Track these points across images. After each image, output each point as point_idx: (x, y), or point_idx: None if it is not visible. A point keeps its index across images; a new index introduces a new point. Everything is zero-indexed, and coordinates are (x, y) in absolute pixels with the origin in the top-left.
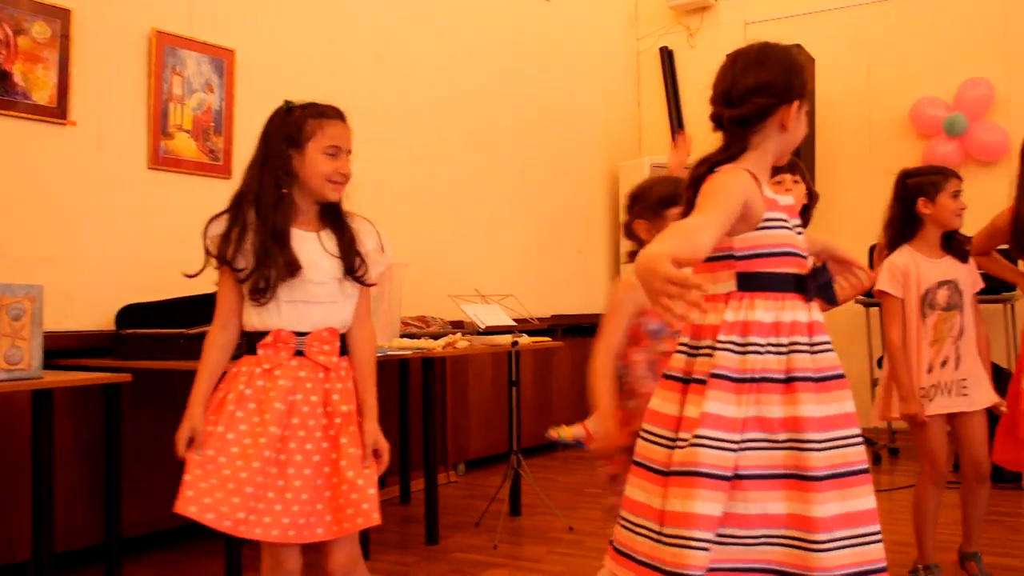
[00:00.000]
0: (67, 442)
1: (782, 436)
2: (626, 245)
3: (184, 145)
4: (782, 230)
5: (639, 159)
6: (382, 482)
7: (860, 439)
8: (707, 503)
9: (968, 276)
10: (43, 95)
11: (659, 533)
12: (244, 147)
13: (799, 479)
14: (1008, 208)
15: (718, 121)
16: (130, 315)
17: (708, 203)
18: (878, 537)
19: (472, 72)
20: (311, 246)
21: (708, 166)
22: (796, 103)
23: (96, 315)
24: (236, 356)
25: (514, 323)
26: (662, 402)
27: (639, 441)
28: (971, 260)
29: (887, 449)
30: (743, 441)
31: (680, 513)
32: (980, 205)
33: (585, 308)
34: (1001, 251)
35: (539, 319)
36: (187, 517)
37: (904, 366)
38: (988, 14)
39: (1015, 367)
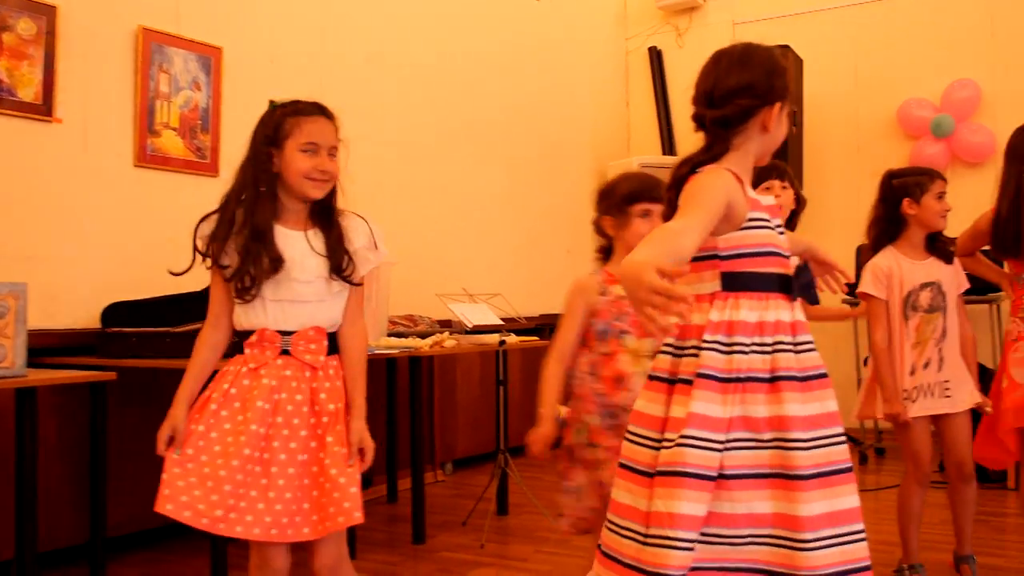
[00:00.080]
0: (51, 441)
1: (767, 435)
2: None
3: (171, 143)
4: (765, 230)
5: (628, 159)
6: (369, 481)
7: (844, 438)
8: (691, 503)
9: (953, 277)
10: (28, 92)
11: (645, 535)
12: (231, 145)
13: (785, 478)
14: (991, 209)
15: (700, 121)
16: (116, 313)
17: (691, 205)
18: (862, 536)
19: (461, 72)
20: (297, 245)
21: (690, 166)
22: (778, 105)
23: (81, 313)
24: (229, 355)
25: (502, 322)
26: (647, 403)
27: (624, 443)
28: (956, 261)
29: (873, 449)
30: (729, 441)
31: (664, 513)
32: (967, 206)
33: None
34: (985, 252)
35: (527, 318)
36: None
37: (888, 367)
38: (975, 16)
39: (998, 367)
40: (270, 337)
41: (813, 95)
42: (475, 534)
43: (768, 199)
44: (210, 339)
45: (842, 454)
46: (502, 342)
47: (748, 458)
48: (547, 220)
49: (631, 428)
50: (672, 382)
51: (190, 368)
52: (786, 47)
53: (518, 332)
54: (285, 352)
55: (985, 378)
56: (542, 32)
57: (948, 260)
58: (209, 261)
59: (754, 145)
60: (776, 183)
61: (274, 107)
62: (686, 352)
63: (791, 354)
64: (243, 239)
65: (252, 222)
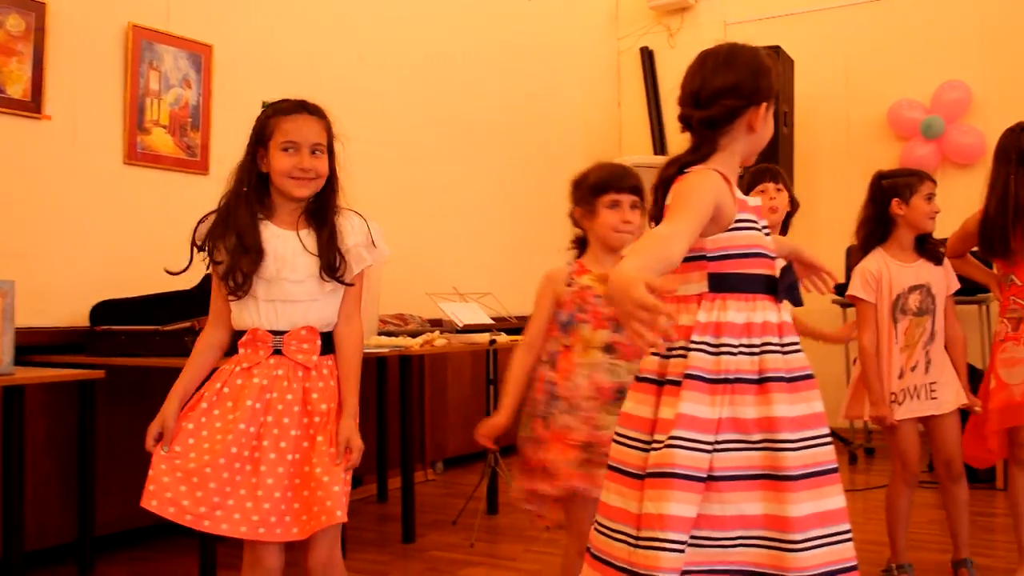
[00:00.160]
0: (40, 439)
1: (756, 436)
2: None
3: (161, 140)
4: (752, 231)
5: (619, 158)
6: (359, 480)
7: (830, 439)
8: (681, 504)
9: (942, 279)
10: (17, 89)
11: (636, 538)
12: (222, 143)
13: (774, 479)
14: (979, 210)
15: (686, 122)
16: (104, 311)
17: (680, 208)
18: (849, 536)
19: (453, 71)
20: (289, 244)
21: (678, 167)
22: (764, 105)
23: (70, 311)
24: (231, 355)
25: (492, 322)
26: (636, 405)
27: (614, 445)
28: (946, 262)
29: (863, 449)
30: (718, 442)
31: (654, 515)
32: (957, 207)
33: None
34: (974, 253)
35: (517, 318)
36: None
37: (875, 371)
38: (965, 18)
39: (987, 367)
40: (262, 337)
41: (804, 96)
42: (465, 533)
43: (755, 200)
44: (209, 338)
45: (829, 455)
46: (492, 341)
47: (738, 460)
48: (538, 220)
49: (620, 430)
50: (660, 383)
51: (187, 366)
52: (777, 48)
53: (508, 331)
54: (278, 352)
55: (974, 379)
56: (534, 32)
57: (937, 262)
58: (207, 260)
59: (740, 145)
60: (770, 185)
61: (265, 108)
62: (674, 353)
63: (779, 355)
64: (232, 238)
65: (235, 222)
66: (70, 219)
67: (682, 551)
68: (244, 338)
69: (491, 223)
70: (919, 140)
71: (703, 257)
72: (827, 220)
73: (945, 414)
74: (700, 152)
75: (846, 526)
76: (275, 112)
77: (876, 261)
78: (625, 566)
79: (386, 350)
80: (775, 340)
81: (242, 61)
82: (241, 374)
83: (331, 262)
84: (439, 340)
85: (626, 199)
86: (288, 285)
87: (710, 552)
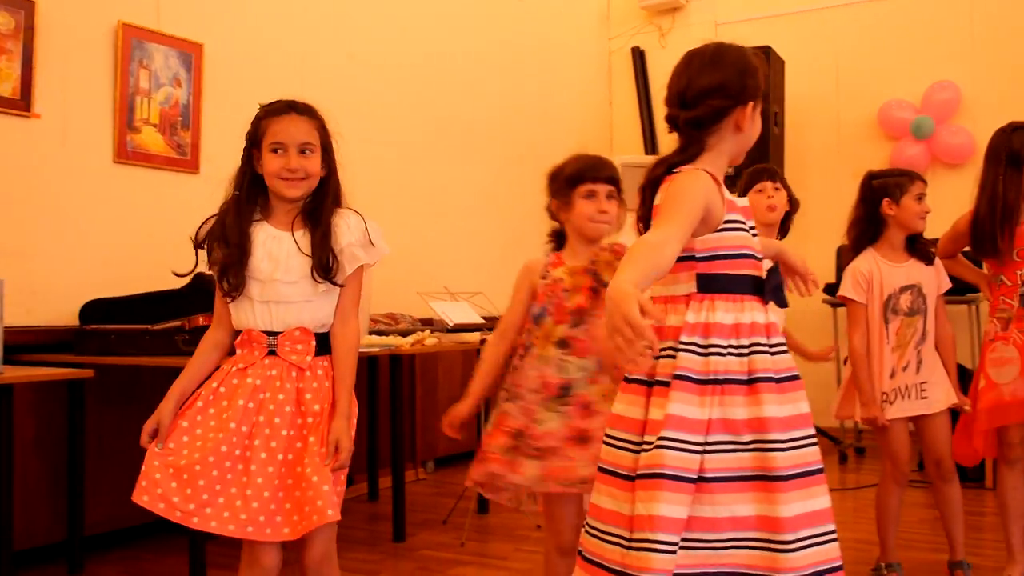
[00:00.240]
0: (29, 438)
1: (747, 437)
2: None
3: (151, 139)
4: (741, 232)
5: (611, 158)
6: (350, 479)
7: (815, 439)
8: (671, 505)
9: (933, 279)
10: (6, 87)
11: (629, 540)
12: (212, 142)
13: (765, 480)
14: (969, 210)
15: (673, 123)
16: (94, 310)
17: (670, 213)
18: (835, 536)
19: (444, 71)
20: (283, 245)
21: (666, 167)
22: (751, 104)
23: (59, 310)
24: (231, 355)
25: (483, 321)
26: (627, 406)
27: (604, 447)
28: (937, 261)
29: (853, 448)
30: (709, 444)
31: (644, 516)
32: (947, 207)
33: None
34: (965, 253)
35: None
36: (143, 507)
37: (865, 372)
38: (956, 18)
39: (976, 366)
40: (256, 337)
41: (795, 96)
42: (456, 532)
43: (742, 200)
44: (211, 338)
45: (816, 455)
46: (483, 341)
47: (729, 461)
48: (529, 219)
49: (610, 432)
50: (650, 384)
51: (188, 366)
52: (768, 48)
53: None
54: (272, 353)
55: (964, 379)
56: (525, 32)
57: (928, 261)
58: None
59: (728, 145)
60: (768, 185)
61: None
62: (663, 354)
63: (767, 355)
64: (226, 241)
65: (224, 224)
66: (59, 218)
67: (673, 552)
68: (239, 338)
69: (482, 222)
70: (909, 140)
71: (692, 258)
72: (818, 220)
73: (935, 413)
74: (688, 152)
75: (832, 526)
76: (266, 114)
77: (867, 261)
78: (618, 568)
79: (377, 349)
80: (763, 341)
81: (233, 60)
82: (237, 374)
83: (323, 262)
84: (430, 339)
85: (602, 189)
86: (281, 286)
87: (702, 554)
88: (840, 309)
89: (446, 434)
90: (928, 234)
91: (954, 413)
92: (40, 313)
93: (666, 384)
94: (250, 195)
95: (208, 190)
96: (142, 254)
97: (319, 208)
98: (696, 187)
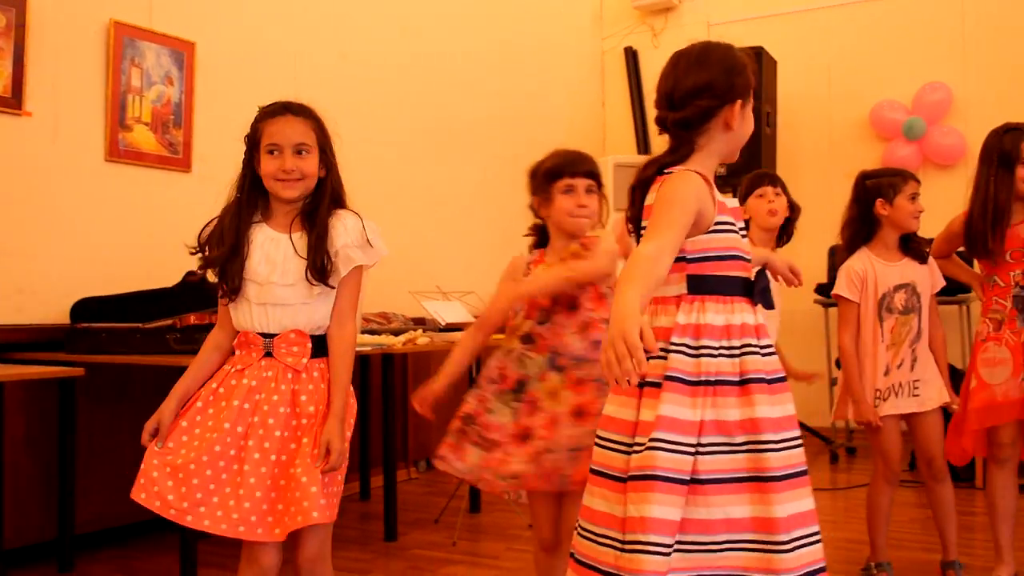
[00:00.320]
0: (19, 437)
1: (740, 439)
2: None
3: (143, 137)
4: (731, 234)
5: (603, 158)
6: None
7: (801, 441)
8: (663, 507)
9: (927, 277)
10: None
11: (622, 542)
12: (204, 141)
13: (759, 481)
14: (963, 212)
15: (662, 124)
16: (85, 309)
17: (663, 219)
18: (820, 536)
19: (437, 70)
20: (281, 247)
21: (656, 168)
22: (739, 102)
23: (50, 308)
24: None
25: (475, 320)
26: (618, 408)
27: (596, 449)
28: (931, 260)
29: (844, 448)
30: (702, 445)
31: (636, 518)
32: (937, 208)
33: None
34: (960, 254)
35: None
36: (138, 505)
37: (855, 371)
38: (947, 20)
39: (968, 366)
40: (253, 339)
41: (787, 96)
42: (447, 532)
43: (732, 202)
44: (212, 339)
45: (802, 456)
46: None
47: (723, 462)
48: (522, 219)
49: (602, 433)
50: (641, 385)
51: (190, 366)
52: (760, 48)
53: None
54: (269, 354)
55: (955, 379)
56: (518, 32)
57: (922, 260)
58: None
59: (719, 144)
60: (769, 189)
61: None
62: (653, 355)
63: (759, 356)
64: (224, 243)
65: (223, 226)
66: (51, 216)
67: (666, 554)
68: (237, 340)
69: (474, 222)
70: (901, 141)
71: (682, 259)
72: (809, 220)
73: (927, 412)
74: (679, 153)
75: (818, 527)
76: (262, 116)
77: (861, 261)
78: (612, 571)
79: (369, 348)
80: (754, 342)
81: (225, 59)
82: (235, 375)
83: (318, 265)
84: (422, 339)
85: (581, 183)
86: (278, 289)
87: (697, 557)
88: (831, 310)
89: (416, 410)
90: (920, 234)
91: (946, 413)
92: (31, 311)
93: (657, 385)
94: (251, 197)
95: (200, 189)
96: (134, 253)
97: (316, 209)
98: (688, 190)
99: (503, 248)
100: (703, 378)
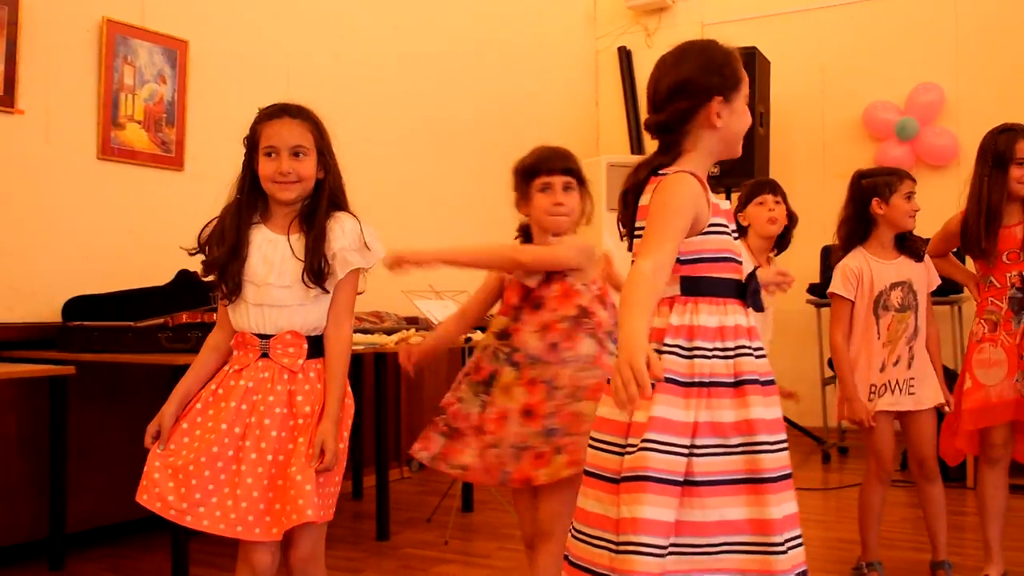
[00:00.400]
0: (10, 435)
1: (735, 440)
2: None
3: (135, 136)
4: (724, 236)
5: (597, 158)
6: None
7: (787, 444)
8: (655, 508)
9: (923, 276)
10: None
11: (616, 543)
12: (197, 139)
13: (755, 482)
14: (960, 211)
15: (648, 128)
16: (77, 307)
17: (660, 231)
18: (802, 539)
19: (430, 69)
20: (278, 249)
21: (647, 170)
22: (716, 100)
23: (42, 307)
24: None
25: (496, 320)
26: (612, 409)
27: (590, 451)
28: (927, 258)
29: (836, 448)
30: (696, 447)
31: (629, 519)
32: (929, 208)
33: None
34: (957, 254)
35: (493, 316)
36: (132, 504)
37: (847, 369)
38: (940, 21)
39: (961, 367)
40: (249, 340)
41: (780, 97)
42: (439, 531)
43: (725, 204)
44: (211, 340)
45: (788, 459)
46: (468, 339)
47: (718, 464)
48: (514, 219)
49: (595, 435)
50: None
51: (190, 368)
52: (754, 49)
53: (484, 330)
54: (265, 355)
55: (948, 379)
56: (512, 31)
57: (918, 258)
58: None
59: (709, 143)
60: (769, 198)
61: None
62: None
63: (752, 358)
64: (224, 244)
65: (223, 227)
66: (43, 214)
67: (659, 555)
68: (235, 340)
69: (467, 221)
70: (893, 141)
71: (676, 260)
72: (802, 220)
73: (922, 411)
74: (669, 155)
75: (800, 530)
76: (261, 118)
77: (857, 259)
78: (606, 572)
79: (362, 347)
80: (747, 343)
81: (218, 57)
82: (234, 375)
83: (315, 267)
84: (415, 338)
85: (558, 181)
86: (275, 290)
87: (694, 560)
88: (824, 310)
89: (402, 366)
90: (915, 234)
91: (939, 413)
92: (23, 310)
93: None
94: (250, 199)
95: (193, 187)
96: (126, 251)
97: (315, 212)
98: (685, 195)
99: None
100: (696, 379)
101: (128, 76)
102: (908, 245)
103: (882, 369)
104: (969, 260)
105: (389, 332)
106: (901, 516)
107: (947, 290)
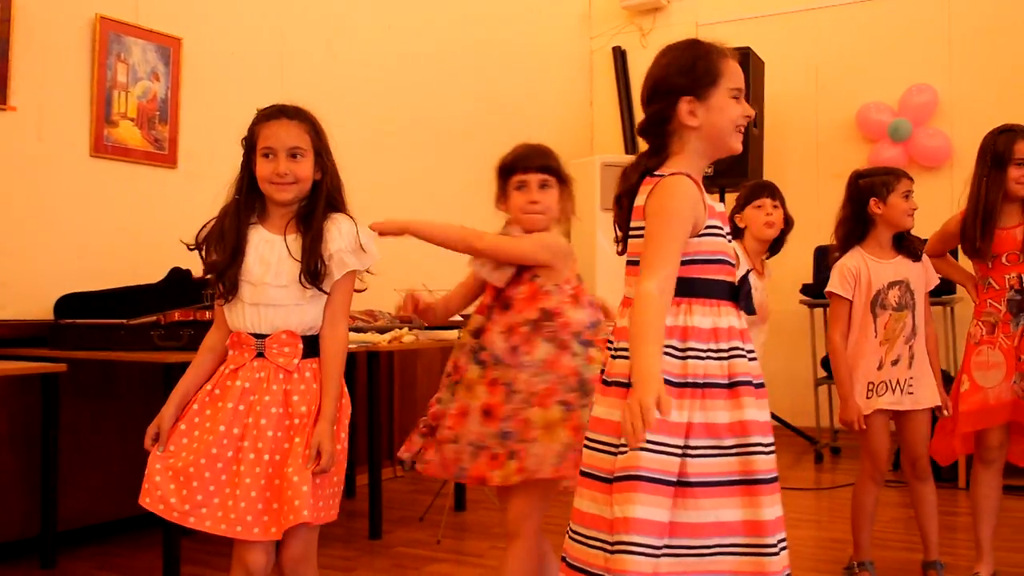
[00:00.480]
0: (2, 433)
1: (729, 441)
2: (576, 245)
3: (128, 133)
4: (718, 238)
5: (591, 157)
6: None
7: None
8: (647, 507)
9: (921, 275)
10: None
11: (611, 544)
12: (190, 137)
13: (749, 484)
14: (960, 212)
15: (637, 132)
16: (69, 305)
17: (662, 247)
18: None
19: (425, 68)
20: (275, 249)
21: (638, 173)
22: (684, 100)
23: (34, 304)
24: None
25: (461, 318)
26: (607, 409)
27: (585, 451)
28: (925, 258)
29: (829, 448)
30: (690, 447)
31: (621, 519)
32: (922, 209)
33: None
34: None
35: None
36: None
37: (844, 369)
38: (933, 22)
39: (959, 368)
40: (245, 339)
41: (774, 97)
42: (432, 530)
43: (720, 206)
44: (208, 340)
45: (775, 462)
46: (461, 337)
47: (713, 465)
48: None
49: (591, 435)
50: (628, 386)
51: (187, 369)
52: (748, 49)
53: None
54: (261, 355)
55: (944, 383)
56: (506, 31)
57: (916, 258)
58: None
59: (696, 143)
60: (768, 202)
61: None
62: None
63: (746, 360)
64: (221, 244)
65: (222, 227)
66: (35, 211)
67: (651, 555)
68: (230, 340)
69: (461, 220)
70: (886, 142)
71: None
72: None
73: (918, 411)
74: (658, 157)
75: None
76: (259, 119)
77: (855, 259)
78: (602, 573)
79: (354, 346)
80: (740, 345)
81: (211, 55)
82: (230, 375)
83: (311, 268)
84: (407, 337)
85: (533, 179)
86: (271, 289)
87: (688, 561)
88: (817, 310)
89: (405, 304)
90: (912, 234)
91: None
92: (14, 307)
93: None
94: (248, 199)
95: (186, 185)
96: (118, 249)
97: (312, 212)
98: (684, 201)
99: None
100: (690, 380)
101: (121, 73)
102: (906, 245)
103: (879, 367)
104: (970, 262)
105: (382, 331)
106: (893, 516)
107: (940, 291)
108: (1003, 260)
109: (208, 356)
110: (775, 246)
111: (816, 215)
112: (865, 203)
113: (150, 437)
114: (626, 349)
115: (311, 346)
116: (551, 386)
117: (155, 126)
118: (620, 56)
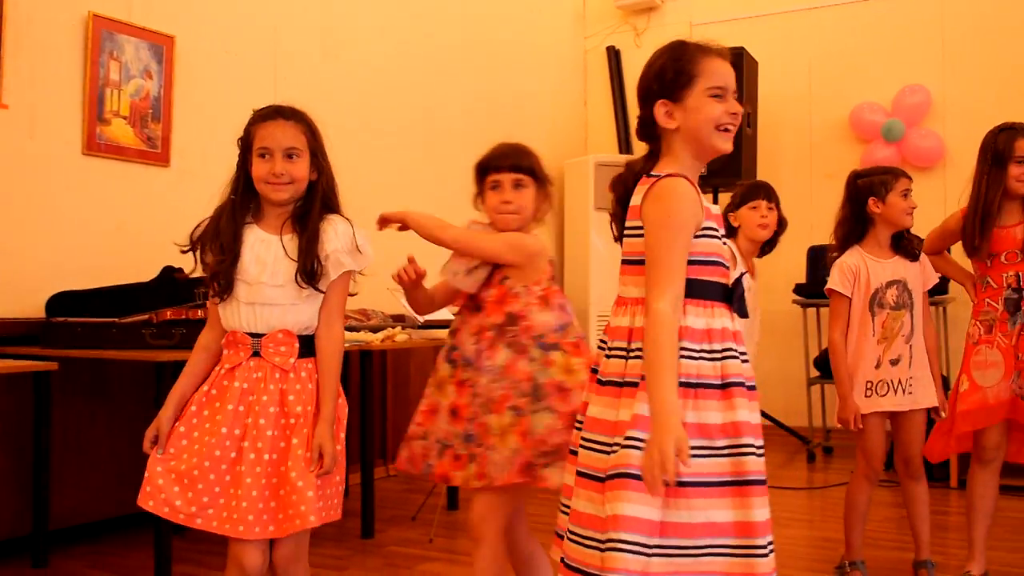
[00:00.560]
0: None
1: (721, 442)
2: (570, 245)
3: (121, 131)
4: (714, 239)
5: (585, 157)
6: None
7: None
8: (636, 505)
9: (919, 275)
10: None
11: (602, 541)
12: (183, 135)
13: (741, 484)
14: (960, 210)
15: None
16: (61, 303)
17: (667, 263)
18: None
19: (419, 68)
20: (271, 248)
21: (633, 175)
22: (659, 103)
23: (26, 302)
24: None
25: (454, 317)
26: (602, 408)
27: (581, 451)
28: (923, 257)
29: (821, 448)
30: None
31: (611, 516)
32: (917, 210)
33: None
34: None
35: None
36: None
37: (843, 367)
38: (927, 23)
39: (960, 369)
40: (241, 339)
41: (768, 97)
42: (424, 529)
43: (715, 207)
44: (202, 340)
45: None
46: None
47: (705, 465)
48: None
49: (586, 435)
50: (621, 385)
51: (183, 371)
52: (742, 49)
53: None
54: (256, 354)
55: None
56: (501, 30)
57: (914, 258)
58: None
59: (684, 145)
60: (763, 203)
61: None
62: (632, 354)
63: (739, 361)
64: (217, 243)
65: (218, 227)
66: (27, 209)
67: (640, 553)
68: (226, 339)
69: (456, 219)
70: (880, 143)
71: None
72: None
73: (914, 411)
74: (650, 160)
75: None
76: (255, 119)
77: (854, 257)
78: (598, 572)
79: (347, 345)
80: (733, 346)
81: (204, 53)
82: (227, 375)
83: (308, 267)
84: (400, 335)
85: (506, 178)
86: (267, 289)
87: (679, 561)
88: (810, 310)
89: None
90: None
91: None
92: (6, 305)
93: (635, 385)
94: (244, 199)
95: (178, 183)
96: (110, 247)
97: (308, 213)
98: (684, 207)
99: None
100: (682, 380)
101: (114, 71)
102: (904, 245)
103: (877, 366)
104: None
105: (375, 330)
106: (884, 515)
107: (933, 291)
108: (1002, 259)
109: (202, 356)
110: (767, 247)
111: (809, 215)
112: (864, 203)
113: (149, 440)
114: (620, 348)
115: (307, 346)
116: (506, 392)
117: (148, 124)
118: (614, 56)
